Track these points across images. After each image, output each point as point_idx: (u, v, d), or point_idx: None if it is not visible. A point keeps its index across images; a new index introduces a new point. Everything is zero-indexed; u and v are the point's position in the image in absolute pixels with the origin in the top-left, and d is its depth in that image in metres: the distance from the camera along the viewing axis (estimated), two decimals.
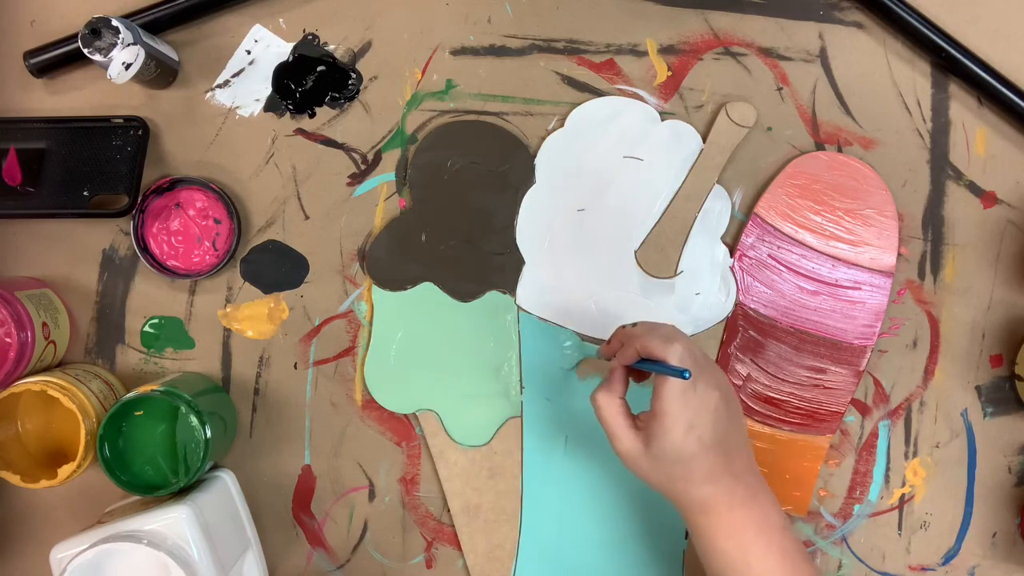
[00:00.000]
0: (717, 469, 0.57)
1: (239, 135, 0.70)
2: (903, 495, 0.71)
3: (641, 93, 0.70)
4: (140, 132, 0.68)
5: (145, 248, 0.69)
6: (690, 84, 0.70)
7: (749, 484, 0.59)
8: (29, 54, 0.69)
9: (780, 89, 0.70)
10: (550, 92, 0.70)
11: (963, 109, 0.70)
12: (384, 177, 0.71)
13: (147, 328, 0.71)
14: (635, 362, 0.60)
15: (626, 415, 0.60)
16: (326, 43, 0.70)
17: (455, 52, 0.71)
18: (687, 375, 0.55)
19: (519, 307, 0.70)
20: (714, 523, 0.58)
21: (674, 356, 0.57)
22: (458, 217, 0.70)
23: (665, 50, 0.70)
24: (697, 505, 0.58)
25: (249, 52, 0.70)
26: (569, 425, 0.70)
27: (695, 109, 0.70)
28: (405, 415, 0.71)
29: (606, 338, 0.64)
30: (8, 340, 0.64)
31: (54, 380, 0.64)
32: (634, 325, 0.62)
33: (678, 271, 0.70)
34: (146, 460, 0.65)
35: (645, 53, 0.70)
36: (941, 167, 0.70)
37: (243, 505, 0.69)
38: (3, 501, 0.71)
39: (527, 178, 0.70)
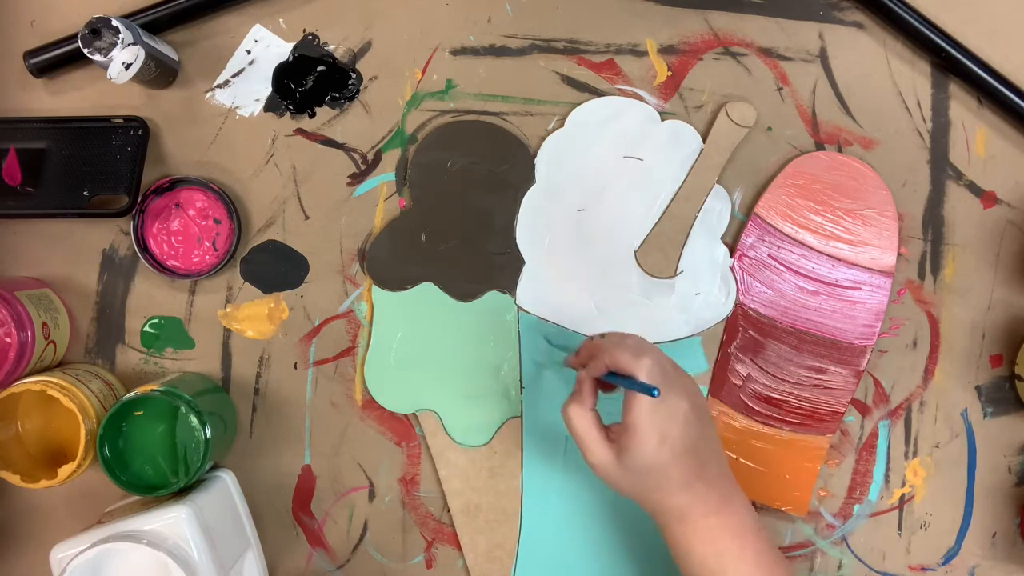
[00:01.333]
0: (690, 477, 0.58)
1: (239, 135, 0.70)
2: (903, 495, 0.71)
3: (641, 93, 0.70)
4: (140, 132, 0.68)
5: (145, 248, 0.69)
6: (690, 84, 0.70)
7: (722, 490, 0.59)
8: (29, 54, 0.69)
9: (780, 89, 0.70)
10: (550, 92, 0.70)
11: (963, 109, 0.70)
12: (384, 177, 0.71)
13: (147, 328, 0.71)
14: (604, 375, 0.60)
15: (598, 427, 0.60)
16: (326, 43, 0.70)
17: (455, 52, 0.70)
18: (656, 393, 0.55)
19: (519, 307, 0.70)
20: (689, 530, 0.59)
21: (643, 371, 0.57)
22: (458, 217, 0.70)
23: (665, 50, 0.70)
24: (672, 513, 0.59)
25: (249, 52, 0.70)
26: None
27: (695, 109, 0.70)
28: (405, 415, 0.71)
29: None
30: (8, 340, 0.64)
31: (54, 380, 0.64)
32: (602, 336, 0.62)
33: (678, 271, 0.70)
34: (146, 460, 0.65)
35: (645, 53, 0.70)
36: (941, 167, 0.70)
37: (243, 505, 0.69)
38: (3, 501, 0.71)
39: (527, 178, 0.70)
